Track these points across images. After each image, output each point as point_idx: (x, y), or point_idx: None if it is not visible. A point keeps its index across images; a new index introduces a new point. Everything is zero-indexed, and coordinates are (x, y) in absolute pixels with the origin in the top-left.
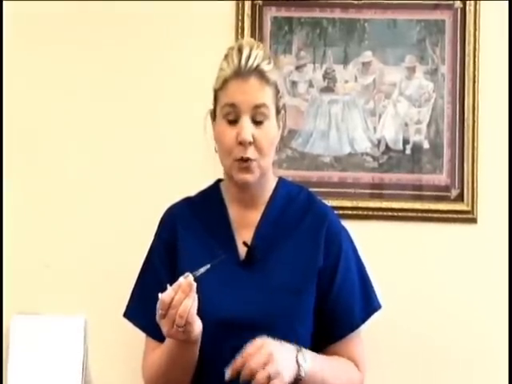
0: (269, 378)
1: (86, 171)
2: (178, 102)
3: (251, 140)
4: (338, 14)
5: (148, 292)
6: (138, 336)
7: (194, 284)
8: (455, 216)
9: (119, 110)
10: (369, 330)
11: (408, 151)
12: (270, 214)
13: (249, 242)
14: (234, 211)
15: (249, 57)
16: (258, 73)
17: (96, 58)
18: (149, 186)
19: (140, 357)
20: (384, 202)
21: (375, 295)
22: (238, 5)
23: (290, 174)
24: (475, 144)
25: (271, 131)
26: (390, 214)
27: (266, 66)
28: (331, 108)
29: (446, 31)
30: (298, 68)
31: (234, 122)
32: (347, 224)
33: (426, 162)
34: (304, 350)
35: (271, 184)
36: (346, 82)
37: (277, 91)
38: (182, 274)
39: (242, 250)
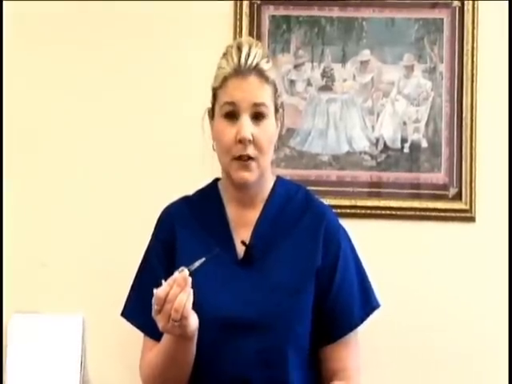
0: None
1: (85, 170)
2: (177, 101)
3: (251, 138)
4: (336, 12)
5: (145, 291)
6: (136, 335)
7: (189, 278)
8: (453, 215)
9: (119, 110)
10: (367, 330)
11: (406, 150)
12: (268, 212)
13: (247, 241)
14: (232, 210)
15: (248, 55)
16: (258, 71)
17: (96, 57)
18: (147, 184)
19: (138, 356)
20: (382, 201)
21: (374, 294)
22: (236, 4)
23: (289, 173)
24: (473, 143)
25: (270, 129)
26: (388, 212)
27: (265, 65)
28: (329, 107)
29: (445, 30)
30: (296, 67)
31: (233, 120)
32: (345, 223)
33: (424, 161)
34: None
35: (269, 183)
36: (345, 80)
37: (275, 89)
38: None
39: (241, 249)
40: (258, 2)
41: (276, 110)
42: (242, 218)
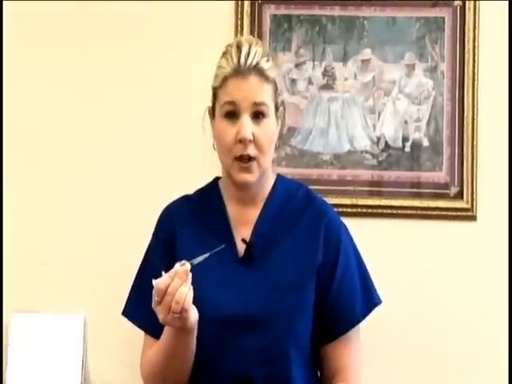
0: None
1: (85, 170)
2: (178, 100)
3: (251, 138)
4: (337, 11)
5: (146, 290)
6: (137, 334)
7: (190, 273)
8: (455, 214)
9: (119, 110)
10: (368, 328)
11: (407, 149)
12: (268, 211)
13: (248, 239)
14: (232, 208)
15: (248, 54)
16: (258, 71)
17: (96, 57)
18: (147, 184)
19: (139, 355)
20: (383, 200)
21: (375, 290)
22: (237, 3)
23: (290, 172)
24: (475, 142)
25: (270, 128)
26: (389, 211)
27: (266, 64)
28: (330, 105)
29: (446, 29)
30: (297, 66)
31: (233, 119)
32: (346, 222)
33: (425, 160)
34: None
35: (270, 181)
36: (346, 79)
37: (275, 88)
38: None
39: (241, 248)
40: (259, 1)
41: (276, 109)
42: (242, 217)
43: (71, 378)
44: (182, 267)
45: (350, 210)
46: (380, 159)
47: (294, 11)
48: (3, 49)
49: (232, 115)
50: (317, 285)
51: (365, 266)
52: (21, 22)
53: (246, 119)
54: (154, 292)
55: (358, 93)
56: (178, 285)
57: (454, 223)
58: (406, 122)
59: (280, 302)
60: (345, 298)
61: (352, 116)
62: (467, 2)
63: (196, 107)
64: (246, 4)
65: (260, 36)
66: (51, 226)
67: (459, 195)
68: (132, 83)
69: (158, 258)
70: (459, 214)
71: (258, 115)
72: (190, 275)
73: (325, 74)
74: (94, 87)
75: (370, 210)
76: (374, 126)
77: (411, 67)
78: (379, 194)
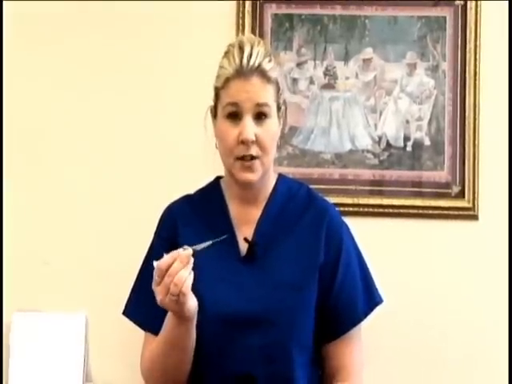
0: None
1: (86, 169)
2: (179, 100)
3: (254, 139)
4: (338, 10)
5: (147, 290)
6: (139, 333)
7: (192, 258)
8: (456, 213)
9: (119, 110)
10: (369, 326)
11: (409, 148)
12: (270, 210)
13: (249, 239)
14: (234, 208)
15: (250, 55)
16: (260, 72)
17: (96, 57)
18: (149, 183)
19: (140, 354)
20: (385, 199)
21: (377, 289)
22: (238, 2)
23: (291, 171)
24: (476, 141)
25: (273, 128)
26: (390, 210)
27: (268, 65)
28: (332, 105)
29: (447, 28)
30: (298, 65)
31: (235, 120)
32: (348, 221)
33: (426, 159)
34: None
35: (272, 181)
36: (347, 78)
37: (278, 88)
38: None
39: (243, 247)
40: (261, 1)
41: (278, 109)
42: (244, 216)
43: (72, 377)
44: (185, 252)
45: (351, 209)
46: (381, 158)
47: (296, 10)
48: (3, 49)
49: (234, 116)
50: (318, 284)
51: (366, 265)
52: (21, 21)
53: (248, 120)
54: (154, 272)
55: (359, 92)
56: (178, 267)
57: (455, 223)
58: (407, 122)
59: (282, 301)
60: (346, 296)
61: (353, 115)
62: (468, 2)
63: (197, 107)
64: (248, 3)
65: (261, 35)
66: (52, 225)
67: (461, 194)
68: (133, 83)
69: (159, 258)
70: (461, 213)
71: (260, 116)
72: (192, 260)
73: (326, 73)
74: (94, 87)
75: (371, 210)
76: (376, 126)
77: (413, 66)
78: (381, 194)
